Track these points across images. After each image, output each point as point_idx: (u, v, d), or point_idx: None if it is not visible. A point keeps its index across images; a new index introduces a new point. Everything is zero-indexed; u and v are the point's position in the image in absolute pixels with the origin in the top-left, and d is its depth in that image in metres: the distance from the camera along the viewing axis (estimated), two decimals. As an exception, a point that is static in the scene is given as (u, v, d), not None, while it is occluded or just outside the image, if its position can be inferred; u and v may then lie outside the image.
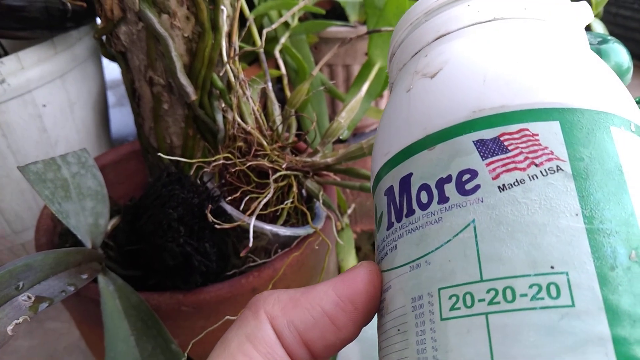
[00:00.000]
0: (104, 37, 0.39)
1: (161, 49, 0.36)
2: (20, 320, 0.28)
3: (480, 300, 0.14)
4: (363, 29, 0.66)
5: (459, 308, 0.14)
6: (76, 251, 0.33)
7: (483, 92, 0.16)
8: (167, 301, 0.36)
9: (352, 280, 0.18)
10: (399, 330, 0.16)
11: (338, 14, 0.73)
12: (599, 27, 0.47)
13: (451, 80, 0.17)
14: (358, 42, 0.71)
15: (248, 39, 0.48)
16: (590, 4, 0.43)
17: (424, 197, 0.16)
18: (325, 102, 0.57)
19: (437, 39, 0.19)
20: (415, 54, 0.20)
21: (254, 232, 0.36)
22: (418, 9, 0.21)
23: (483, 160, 0.15)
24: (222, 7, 0.36)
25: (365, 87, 0.43)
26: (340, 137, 0.44)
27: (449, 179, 0.16)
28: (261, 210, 0.37)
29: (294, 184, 0.39)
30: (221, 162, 0.38)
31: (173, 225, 0.35)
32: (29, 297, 0.29)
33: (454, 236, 0.15)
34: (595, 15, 0.47)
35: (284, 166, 0.38)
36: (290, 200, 0.38)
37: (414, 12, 0.21)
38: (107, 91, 0.75)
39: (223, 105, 0.40)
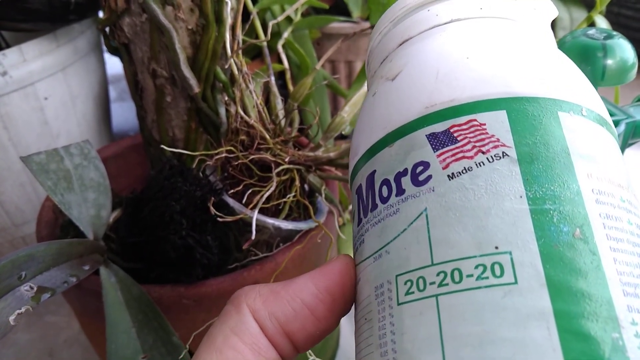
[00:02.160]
0: (107, 29, 0.39)
1: (165, 41, 0.36)
2: (23, 310, 0.28)
3: (431, 283, 0.15)
4: (366, 25, 0.66)
5: (412, 292, 0.15)
6: (78, 242, 0.33)
7: (435, 88, 0.17)
8: (168, 294, 0.36)
9: (329, 273, 0.18)
10: (365, 319, 0.16)
11: (341, 9, 0.73)
12: (603, 23, 0.47)
13: (408, 80, 0.18)
14: (360, 38, 0.71)
15: (251, 33, 0.48)
16: (595, 2, 0.43)
17: (384, 191, 0.17)
18: (327, 97, 0.57)
19: (400, 44, 0.20)
20: (383, 60, 0.21)
21: (256, 225, 0.36)
22: (386, 17, 0.22)
23: (434, 152, 0.16)
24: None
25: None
26: (343, 133, 0.44)
27: (405, 172, 0.17)
28: (263, 203, 0.37)
29: (297, 178, 0.39)
30: (224, 155, 0.38)
31: (175, 217, 0.35)
32: (31, 287, 0.29)
33: (409, 225, 0.16)
34: (599, 13, 0.47)
35: (286, 160, 0.38)
36: (293, 194, 0.38)
37: (383, 21, 0.22)
38: (109, 86, 0.75)
39: (226, 98, 0.40)
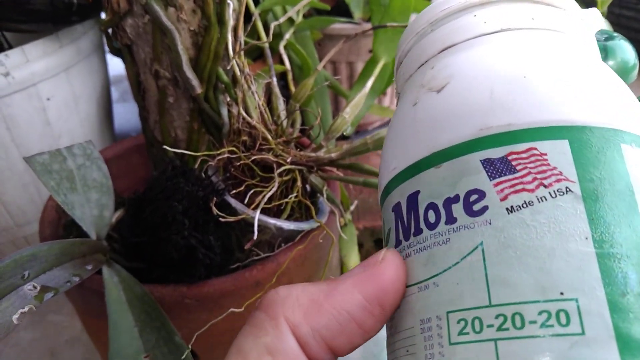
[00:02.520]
0: (109, 30, 0.39)
1: (167, 42, 0.36)
2: (26, 309, 0.28)
3: (489, 326, 0.14)
4: (367, 26, 0.66)
5: (467, 333, 0.14)
6: (81, 242, 0.33)
7: (490, 108, 0.16)
8: (170, 293, 0.36)
9: (378, 278, 0.17)
10: (407, 351, 0.16)
11: (342, 10, 0.73)
12: (603, 24, 0.47)
13: (457, 96, 0.17)
14: (362, 39, 0.71)
15: (253, 34, 0.48)
16: (596, 3, 0.43)
17: (431, 216, 0.16)
18: (328, 98, 0.57)
19: (442, 50, 0.19)
20: (422, 65, 0.20)
21: (258, 225, 0.36)
22: (424, 18, 0.20)
23: (491, 180, 0.15)
24: (229, 1, 0.36)
25: (369, 83, 0.44)
26: (344, 134, 0.44)
27: (456, 198, 0.16)
28: (265, 204, 0.37)
29: (298, 178, 0.39)
30: (226, 155, 0.38)
31: (178, 218, 0.35)
32: (35, 287, 0.29)
33: (462, 259, 0.15)
34: (600, 14, 0.47)
35: (288, 160, 0.38)
36: (295, 194, 0.38)
37: (420, 22, 0.20)
38: (111, 86, 0.75)
39: (228, 99, 0.40)
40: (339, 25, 0.66)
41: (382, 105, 0.69)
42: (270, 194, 0.36)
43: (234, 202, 0.38)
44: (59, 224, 0.43)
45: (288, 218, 0.41)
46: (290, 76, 0.46)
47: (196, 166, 0.40)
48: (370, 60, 0.50)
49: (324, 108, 0.55)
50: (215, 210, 0.36)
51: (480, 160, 0.15)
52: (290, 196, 0.38)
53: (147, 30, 0.36)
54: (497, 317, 0.14)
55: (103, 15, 0.68)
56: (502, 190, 0.15)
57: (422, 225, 0.16)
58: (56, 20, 0.55)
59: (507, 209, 0.15)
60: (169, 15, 0.35)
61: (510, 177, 0.15)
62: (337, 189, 0.44)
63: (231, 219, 0.36)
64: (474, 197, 0.15)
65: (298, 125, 0.44)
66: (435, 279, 0.15)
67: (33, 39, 0.56)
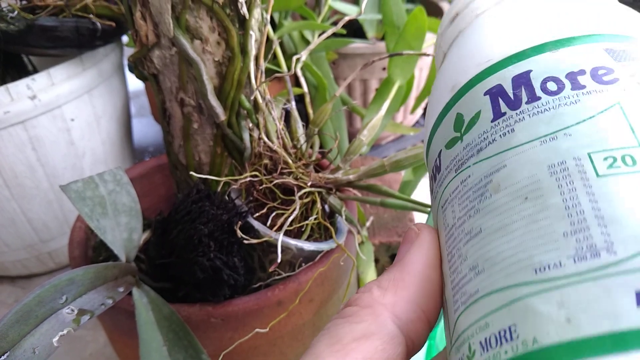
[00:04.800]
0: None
1: (193, 72, 0.38)
2: (65, 332, 0.30)
3: None
4: (381, 45, 0.68)
5: (618, 167, 0.14)
6: (113, 266, 0.35)
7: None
8: (197, 313, 0.37)
9: (424, 241, 0.19)
10: (526, 198, 0.15)
11: (355, 28, 0.75)
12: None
13: None
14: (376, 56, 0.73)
15: (272, 58, 0.50)
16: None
17: (551, 85, 0.17)
18: (344, 117, 0.59)
19: None
20: None
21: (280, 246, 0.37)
22: None
23: (617, 62, 0.16)
24: (251, 32, 0.38)
25: (385, 105, 0.45)
26: (360, 153, 0.46)
27: (581, 72, 0.16)
28: (287, 226, 0.39)
29: (318, 200, 0.41)
30: (248, 179, 0.40)
31: (204, 240, 0.37)
32: (72, 310, 0.31)
33: (599, 113, 0.15)
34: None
35: (308, 184, 0.40)
36: (315, 216, 0.40)
37: None
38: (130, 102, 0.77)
39: (250, 124, 0.42)
40: (353, 45, 0.68)
41: (395, 122, 0.70)
42: (292, 217, 0.38)
43: (256, 224, 0.39)
44: (88, 245, 0.44)
45: (308, 238, 0.42)
46: (307, 99, 0.48)
47: (219, 189, 0.41)
48: (385, 81, 0.51)
49: (340, 127, 0.57)
50: (239, 233, 0.37)
51: (604, 49, 0.17)
52: (310, 218, 0.40)
53: (174, 61, 0.38)
54: None
55: (125, 39, 0.70)
56: (629, 69, 0.16)
57: (540, 93, 0.17)
58: (81, 45, 0.57)
59: (638, 82, 0.16)
60: (195, 47, 0.37)
61: (634, 62, 0.16)
62: (354, 208, 0.46)
63: (254, 241, 0.37)
64: (602, 71, 0.16)
65: (317, 148, 0.45)
66: (566, 130, 0.15)
67: (57, 62, 0.58)
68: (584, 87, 0.16)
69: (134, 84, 0.99)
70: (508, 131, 0.17)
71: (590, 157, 0.15)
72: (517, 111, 0.17)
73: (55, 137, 0.60)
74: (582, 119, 0.15)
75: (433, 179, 0.20)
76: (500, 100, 0.17)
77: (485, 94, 0.18)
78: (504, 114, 0.17)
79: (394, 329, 0.17)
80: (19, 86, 0.55)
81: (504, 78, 0.18)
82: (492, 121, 0.17)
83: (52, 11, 0.57)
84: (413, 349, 0.18)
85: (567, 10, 0.19)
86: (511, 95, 0.17)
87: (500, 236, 0.15)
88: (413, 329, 0.17)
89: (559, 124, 0.16)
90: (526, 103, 0.17)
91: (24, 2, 0.58)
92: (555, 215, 0.14)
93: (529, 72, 0.17)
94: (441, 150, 0.20)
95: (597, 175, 0.14)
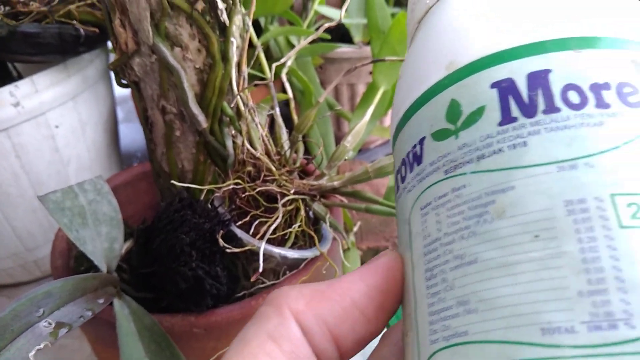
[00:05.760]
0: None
1: (174, 80, 0.37)
2: (42, 346, 0.29)
3: None
4: (367, 50, 0.68)
5: None
6: (92, 277, 0.34)
7: None
8: (179, 323, 0.37)
9: (377, 269, 0.17)
10: (537, 236, 0.13)
11: (342, 33, 0.74)
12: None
13: None
14: (362, 61, 0.73)
15: (256, 62, 0.49)
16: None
17: (573, 97, 0.15)
18: (330, 121, 0.58)
19: None
20: None
21: (263, 255, 0.37)
22: None
23: None
24: (232, 39, 0.37)
25: (370, 110, 0.45)
26: (345, 158, 0.45)
27: (606, 86, 0.15)
28: (270, 234, 0.38)
29: (302, 207, 0.41)
30: (231, 187, 0.39)
31: (185, 249, 0.36)
32: (50, 323, 0.30)
33: (624, 144, 0.14)
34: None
35: (292, 191, 0.40)
36: (298, 224, 0.40)
37: None
38: (116, 107, 0.77)
39: (233, 131, 0.41)
40: (340, 50, 0.68)
41: (382, 126, 0.70)
42: (275, 225, 0.37)
43: (239, 233, 0.39)
44: (70, 255, 0.44)
45: (292, 246, 0.42)
46: (292, 104, 0.48)
47: (202, 197, 0.41)
48: (370, 86, 0.51)
49: (326, 132, 0.57)
50: (221, 242, 0.37)
51: (631, 60, 0.15)
52: (294, 226, 0.39)
53: (154, 69, 0.37)
54: None
55: (109, 44, 0.69)
56: None
57: (560, 104, 0.15)
58: (65, 51, 0.57)
59: None
60: (175, 54, 0.37)
61: None
62: (340, 214, 0.46)
63: (237, 250, 0.37)
64: (627, 89, 0.14)
65: (301, 154, 0.45)
66: (587, 160, 0.14)
67: (41, 69, 0.58)
68: (608, 106, 0.14)
69: (122, 89, 0.98)
70: (519, 144, 0.15)
71: (613, 201, 0.13)
72: (532, 120, 0.15)
73: (40, 145, 0.59)
74: (607, 148, 0.14)
75: (407, 166, 0.18)
76: (512, 100, 0.15)
77: (492, 86, 0.16)
78: (515, 119, 0.15)
79: (299, 335, 0.16)
80: (2, 93, 0.54)
81: (518, 72, 0.16)
82: (499, 124, 0.15)
83: (35, 17, 0.56)
84: None
85: (590, 1, 0.16)
86: (525, 98, 0.15)
87: (502, 276, 0.13)
88: (319, 345, 0.16)
89: (580, 150, 0.14)
90: (543, 112, 0.15)
91: (7, 9, 0.58)
92: (571, 266, 0.13)
93: (547, 72, 0.15)
94: (425, 137, 0.17)
95: (620, 226, 0.13)
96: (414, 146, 0.18)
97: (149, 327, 0.35)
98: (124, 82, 0.39)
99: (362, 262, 0.57)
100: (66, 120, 0.61)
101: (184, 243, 0.37)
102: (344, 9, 0.38)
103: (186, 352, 0.35)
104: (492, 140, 0.15)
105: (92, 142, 0.67)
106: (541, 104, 0.15)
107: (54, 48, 0.55)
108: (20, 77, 0.64)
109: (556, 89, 0.15)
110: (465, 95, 0.16)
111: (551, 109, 0.15)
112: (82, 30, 0.56)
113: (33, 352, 0.29)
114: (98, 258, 0.36)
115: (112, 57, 0.71)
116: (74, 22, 0.56)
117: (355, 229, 0.57)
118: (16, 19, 0.56)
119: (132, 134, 1.00)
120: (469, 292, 0.14)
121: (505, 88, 0.15)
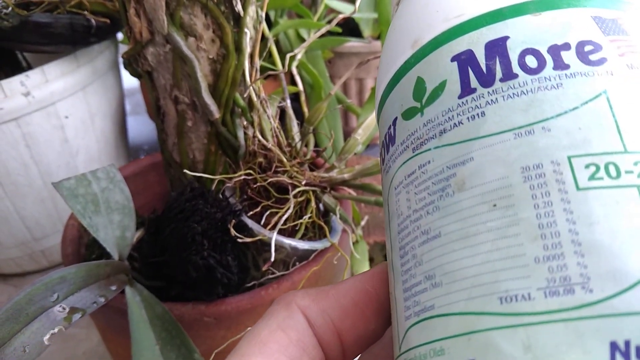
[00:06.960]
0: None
1: (187, 69, 0.37)
2: (56, 330, 0.29)
3: (627, 172, 0.12)
4: (377, 44, 0.68)
5: (601, 178, 0.12)
6: (105, 264, 0.34)
7: None
8: (190, 312, 0.37)
9: (376, 275, 0.19)
10: (495, 205, 0.13)
11: (351, 27, 0.74)
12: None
13: None
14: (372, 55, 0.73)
15: (267, 56, 0.49)
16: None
17: (531, 61, 0.14)
18: (339, 115, 0.58)
19: None
20: None
21: (274, 245, 0.37)
22: None
23: (605, 35, 0.14)
24: (246, 30, 0.37)
25: (380, 104, 0.45)
26: (355, 152, 0.45)
27: (566, 46, 0.14)
28: (281, 224, 0.38)
29: (312, 199, 0.41)
30: (242, 177, 0.40)
31: (197, 238, 0.37)
32: (64, 308, 0.30)
33: (583, 104, 0.13)
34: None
35: (302, 182, 0.40)
36: (309, 215, 0.40)
37: None
38: (125, 100, 0.77)
39: (244, 122, 0.41)
40: (349, 44, 0.68)
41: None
42: (286, 215, 0.38)
43: (250, 223, 0.39)
44: (81, 243, 0.44)
45: (302, 237, 0.42)
46: (303, 97, 0.48)
47: (213, 187, 0.41)
48: (381, 80, 0.51)
49: (335, 126, 0.57)
50: (233, 232, 0.37)
51: (592, 16, 0.15)
52: (304, 217, 0.40)
53: (168, 59, 0.38)
54: (635, 164, 0.12)
55: (120, 36, 0.70)
56: (618, 47, 0.14)
57: (517, 69, 0.14)
58: (76, 41, 0.57)
59: (627, 65, 0.14)
60: (189, 44, 0.37)
61: (623, 37, 0.14)
62: (349, 206, 0.46)
63: (248, 239, 0.37)
64: (588, 48, 0.14)
65: (312, 146, 0.45)
66: (544, 124, 0.13)
67: (52, 59, 0.58)
68: (567, 66, 0.14)
69: (129, 81, 0.98)
70: (477, 114, 0.14)
71: (570, 163, 0.13)
72: (490, 90, 0.15)
73: (49, 135, 0.60)
74: (564, 110, 0.13)
75: (385, 148, 0.18)
76: (470, 71, 0.15)
77: (452, 60, 0.16)
78: (474, 90, 0.15)
79: (305, 325, 0.18)
80: (13, 83, 0.54)
81: (476, 42, 0.15)
82: (459, 97, 0.15)
83: (47, 7, 0.57)
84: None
85: None
86: (483, 67, 0.15)
87: (462, 247, 0.13)
88: (324, 335, 0.18)
89: (536, 115, 0.14)
90: (500, 80, 0.14)
91: (18, -1, 0.58)
92: (527, 233, 0.12)
93: (505, 38, 0.15)
94: (397, 117, 0.17)
95: (577, 188, 0.12)
96: (389, 127, 0.18)
97: (160, 315, 0.36)
98: (138, 70, 0.39)
99: (370, 257, 0.57)
100: (76, 110, 0.62)
101: (196, 232, 0.37)
102: (357, 2, 0.38)
103: (196, 340, 0.36)
104: (453, 113, 0.15)
105: (101, 133, 0.67)
106: (498, 72, 0.15)
107: (65, 38, 0.55)
108: (29, 67, 0.65)
109: (514, 55, 0.15)
110: (429, 71, 0.16)
111: (508, 75, 0.14)
112: (93, 21, 0.56)
113: (47, 336, 0.29)
114: (110, 245, 0.36)
115: (122, 48, 0.71)
116: (85, 12, 0.56)
117: (362, 222, 0.57)
118: (27, 9, 0.56)
119: (139, 126, 1.00)
120: (435, 266, 0.14)
121: (465, 60, 0.15)
